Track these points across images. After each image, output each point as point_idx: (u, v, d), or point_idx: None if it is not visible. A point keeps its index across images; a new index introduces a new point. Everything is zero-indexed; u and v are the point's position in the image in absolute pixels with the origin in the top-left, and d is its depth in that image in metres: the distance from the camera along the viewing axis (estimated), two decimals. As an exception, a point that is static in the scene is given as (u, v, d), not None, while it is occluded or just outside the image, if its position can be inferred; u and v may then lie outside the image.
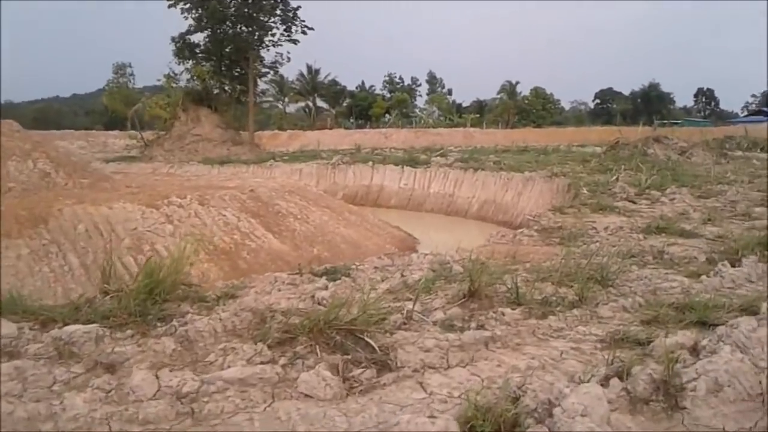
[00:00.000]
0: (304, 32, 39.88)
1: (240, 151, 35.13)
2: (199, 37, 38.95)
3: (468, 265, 6.14)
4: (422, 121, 77.81)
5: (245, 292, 5.57)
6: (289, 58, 40.69)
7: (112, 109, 42.03)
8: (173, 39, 38.29)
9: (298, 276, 6.17)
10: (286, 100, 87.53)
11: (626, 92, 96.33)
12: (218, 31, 38.04)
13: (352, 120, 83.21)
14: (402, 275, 6.25)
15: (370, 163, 27.22)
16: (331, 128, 72.94)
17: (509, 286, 5.30)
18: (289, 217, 14.42)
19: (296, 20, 39.31)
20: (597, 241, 8.18)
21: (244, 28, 38.79)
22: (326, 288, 5.62)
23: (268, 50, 39.85)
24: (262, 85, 42.19)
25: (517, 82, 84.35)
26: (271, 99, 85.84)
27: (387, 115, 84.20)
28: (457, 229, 21.48)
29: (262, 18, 38.36)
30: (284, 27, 39.36)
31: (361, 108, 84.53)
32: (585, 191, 14.52)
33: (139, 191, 14.93)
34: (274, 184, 16.11)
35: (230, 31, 38.62)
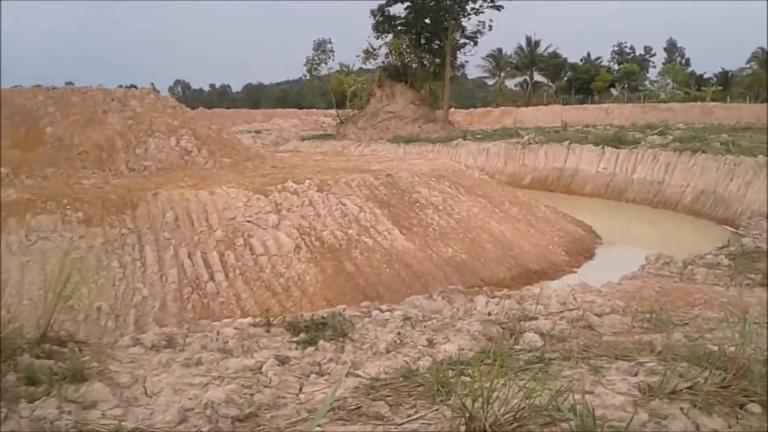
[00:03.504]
0: (507, -4, 36.62)
1: (432, 128, 33.21)
2: (398, 9, 37.56)
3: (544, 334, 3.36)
4: (653, 95, 69.55)
5: (123, 367, 3.36)
6: (491, 26, 37.65)
7: (309, 88, 42.71)
8: (372, 12, 37.32)
9: (266, 330, 3.87)
10: (503, 75, 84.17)
11: None
12: (417, 1, 36.20)
13: (572, 95, 77.34)
14: (429, 342, 3.63)
15: (566, 142, 23.57)
16: (547, 104, 68.33)
17: (569, 416, 2.46)
18: (428, 208, 12.04)
19: (501, -17, 36.19)
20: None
21: (444, -4, 36.57)
22: (259, 369, 3.20)
23: (469, 19, 37.23)
24: (463, 58, 39.46)
25: (772, 48, 71.46)
26: (487, 75, 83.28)
27: (612, 89, 76.97)
28: (661, 227, 17.41)
29: (463, -17, 35.84)
30: (486, -9, 36.43)
31: (582, 81, 78.04)
32: (841, 186, 10.10)
33: (277, 172, 13.61)
34: (423, 167, 13.80)
35: (430, 1, 36.61)
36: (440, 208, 12.15)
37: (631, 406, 2.67)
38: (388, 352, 3.47)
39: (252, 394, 2.91)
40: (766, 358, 3.03)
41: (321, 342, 3.55)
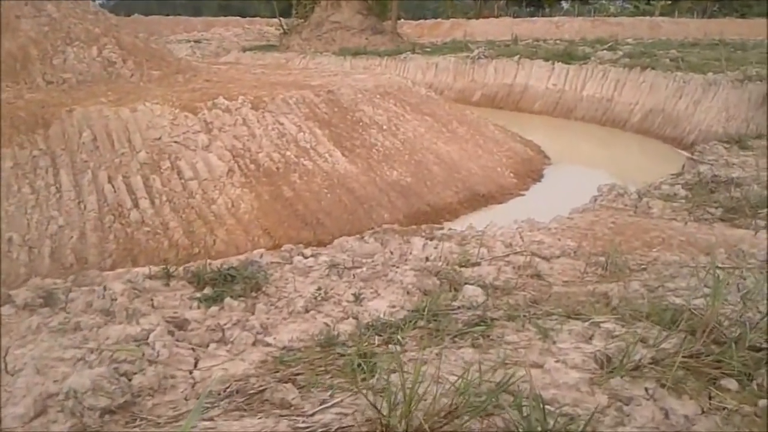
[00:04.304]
0: None
1: (379, 41, 31.89)
2: None
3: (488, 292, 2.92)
4: (602, 9, 68.91)
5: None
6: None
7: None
8: None
9: (164, 282, 3.31)
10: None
11: None
12: None
13: (523, 8, 75.87)
14: (356, 297, 3.14)
15: (517, 57, 22.92)
16: (497, 17, 66.91)
17: (513, 413, 1.99)
18: (372, 127, 11.40)
19: None
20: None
21: None
22: (146, 340, 2.66)
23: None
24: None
25: (719, -39, 70.98)
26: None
27: (563, 2, 75.95)
28: (610, 147, 17.24)
29: None
30: None
31: (534, -6, 76.50)
32: (791, 107, 9.88)
33: (210, 87, 12.63)
34: (367, 83, 13.02)
35: None
36: (385, 127, 11.53)
37: (588, 386, 2.26)
38: (306, 311, 2.97)
39: (132, 374, 2.38)
40: (739, 317, 2.64)
41: (228, 300, 3.01)
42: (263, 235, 8.65)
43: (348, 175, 10.05)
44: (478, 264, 3.54)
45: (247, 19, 65.62)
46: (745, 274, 3.40)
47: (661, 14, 60.06)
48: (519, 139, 14.64)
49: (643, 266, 3.55)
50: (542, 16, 66.57)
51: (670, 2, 68.01)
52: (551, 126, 19.37)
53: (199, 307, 3.00)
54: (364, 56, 27.96)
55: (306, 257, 3.65)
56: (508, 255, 3.69)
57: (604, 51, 24.11)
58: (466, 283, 3.11)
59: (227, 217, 8.74)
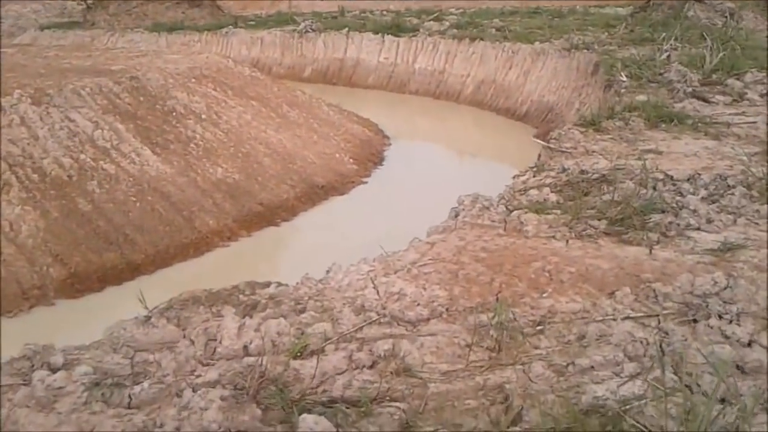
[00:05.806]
0: None
1: (197, 14, 29.36)
2: None
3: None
4: (424, -21, 69.85)
5: None
6: None
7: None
8: None
9: None
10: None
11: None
12: None
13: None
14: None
15: (345, 30, 21.93)
16: (322, -13, 65.35)
17: None
18: (188, 117, 9.85)
19: None
20: (691, 228, 3.74)
21: None
22: None
23: None
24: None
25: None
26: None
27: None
28: (447, 121, 16.88)
29: None
30: None
31: (357, -37, 75.99)
32: (623, 77, 9.73)
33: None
34: (180, 65, 11.34)
35: None
36: (204, 117, 10.03)
37: None
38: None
39: None
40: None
41: None
42: (54, 263, 6.98)
43: (162, 178, 8.52)
44: (321, 351, 2.46)
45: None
46: (665, 326, 2.62)
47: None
48: (356, 118, 13.70)
49: (538, 326, 2.67)
50: (367, -14, 66.20)
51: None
52: (386, 101, 18.67)
53: None
54: (182, 32, 25.56)
55: (54, 370, 2.36)
56: (361, 327, 2.65)
57: (431, 22, 23.76)
58: (303, 411, 2.02)
59: (5, 244, 6.94)
